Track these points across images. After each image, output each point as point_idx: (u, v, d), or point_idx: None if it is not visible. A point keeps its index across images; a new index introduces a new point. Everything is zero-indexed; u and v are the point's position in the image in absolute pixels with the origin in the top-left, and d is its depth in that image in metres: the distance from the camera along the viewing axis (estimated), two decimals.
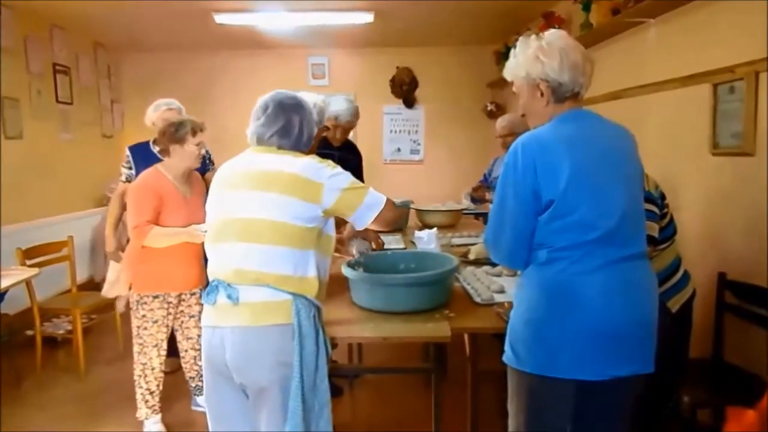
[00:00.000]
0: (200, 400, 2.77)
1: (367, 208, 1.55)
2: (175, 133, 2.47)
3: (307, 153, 1.62)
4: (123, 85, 5.70)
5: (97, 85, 5.27)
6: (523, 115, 1.52)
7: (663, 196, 2.04)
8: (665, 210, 2.05)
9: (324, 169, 1.53)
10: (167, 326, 2.59)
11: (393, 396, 2.96)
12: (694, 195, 2.51)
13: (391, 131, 5.78)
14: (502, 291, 1.97)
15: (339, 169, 1.56)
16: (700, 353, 2.35)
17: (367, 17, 4.19)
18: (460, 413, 2.25)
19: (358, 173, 3.06)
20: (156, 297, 2.52)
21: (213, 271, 1.55)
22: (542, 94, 1.40)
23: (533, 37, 1.43)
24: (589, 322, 1.31)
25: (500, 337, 1.50)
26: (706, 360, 2.27)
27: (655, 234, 1.93)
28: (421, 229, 3.50)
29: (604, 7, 3.13)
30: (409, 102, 5.68)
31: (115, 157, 5.51)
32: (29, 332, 3.44)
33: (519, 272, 1.49)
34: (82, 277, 4.26)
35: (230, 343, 1.48)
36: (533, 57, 1.39)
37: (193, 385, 2.81)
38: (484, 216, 4.00)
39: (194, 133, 2.50)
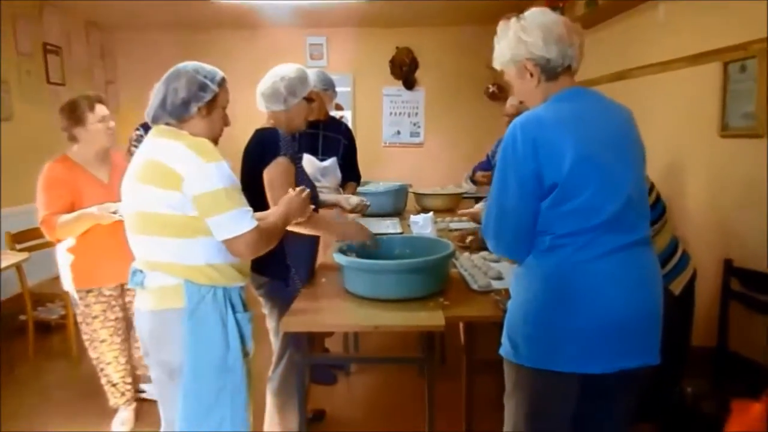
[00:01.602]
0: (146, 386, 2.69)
1: (221, 223, 1.40)
2: (71, 114, 2.25)
3: (214, 120, 1.54)
4: (117, 66, 5.59)
5: (91, 65, 5.16)
6: (521, 103, 1.45)
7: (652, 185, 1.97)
8: (655, 197, 1.97)
9: (193, 159, 1.39)
10: (115, 319, 2.45)
11: (389, 385, 2.90)
12: (701, 179, 2.42)
13: (390, 113, 5.67)
14: (500, 277, 1.90)
15: (216, 167, 1.40)
16: (704, 341, 2.29)
17: None
18: (457, 404, 2.20)
19: (349, 157, 2.93)
20: (89, 291, 2.38)
21: (135, 258, 1.56)
22: (531, 74, 1.33)
23: (513, 19, 1.36)
24: (595, 311, 1.24)
25: (499, 325, 1.43)
26: (710, 349, 2.20)
27: None
28: (419, 213, 3.44)
29: None
30: (409, 83, 5.56)
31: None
32: (22, 317, 3.39)
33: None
34: (53, 270, 4.19)
35: (143, 325, 1.55)
36: (515, 38, 1.32)
37: (139, 373, 2.67)
38: (484, 200, 3.92)
39: (92, 107, 2.27)
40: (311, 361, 2.08)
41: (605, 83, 3.22)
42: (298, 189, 1.68)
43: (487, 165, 3.59)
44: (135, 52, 5.53)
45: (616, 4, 3.00)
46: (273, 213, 1.65)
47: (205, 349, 1.45)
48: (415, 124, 5.67)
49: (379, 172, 5.16)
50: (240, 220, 1.42)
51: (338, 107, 5.37)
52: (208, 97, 1.51)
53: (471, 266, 2.00)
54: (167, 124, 1.51)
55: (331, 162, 2.72)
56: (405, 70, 5.50)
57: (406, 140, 5.70)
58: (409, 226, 2.86)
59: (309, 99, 2.02)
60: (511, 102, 3.21)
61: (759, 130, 2.06)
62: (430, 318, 1.60)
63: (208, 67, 1.55)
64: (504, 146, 1.29)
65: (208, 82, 1.51)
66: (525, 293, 1.31)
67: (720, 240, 2.28)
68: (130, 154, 3.10)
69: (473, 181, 3.56)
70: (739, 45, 2.14)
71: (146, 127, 3.07)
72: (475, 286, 1.79)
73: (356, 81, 5.60)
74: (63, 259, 2.40)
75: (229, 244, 1.43)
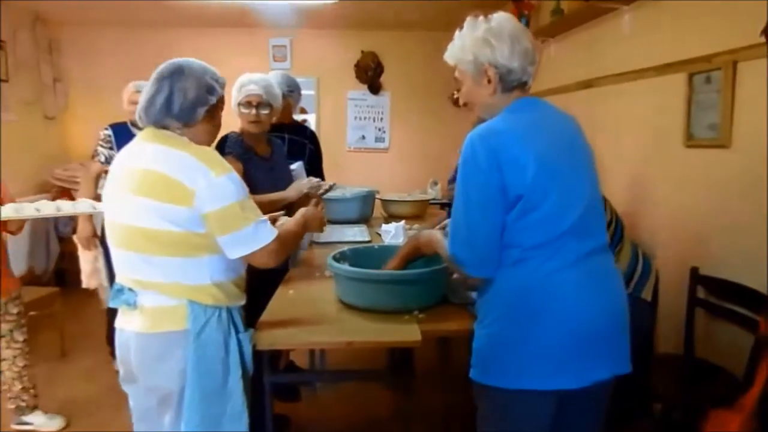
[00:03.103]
0: (29, 417, 2.55)
1: (239, 240, 1.31)
2: None
3: (215, 125, 1.45)
4: (66, 63, 5.28)
5: (38, 61, 4.87)
6: (464, 104, 1.40)
7: (606, 202, 1.98)
8: (609, 217, 1.99)
9: (204, 172, 1.27)
10: None
11: (356, 398, 2.79)
12: (667, 188, 2.46)
13: (355, 118, 5.59)
14: (476, 288, 1.85)
15: (229, 179, 1.30)
16: (671, 349, 2.32)
17: None
18: (430, 417, 2.14)
19: (314, 162, 2.88)
20: None
21: (116, 273, 1.42)
22: (489, 81, 1.30)
23: (481, 18, 1.32)
24: (568, 324, 1.21)
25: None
26: (677, 356, 2.23)
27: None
28: (386, 219, 3.38)
29: None
30: (375, 88, 5.51)
31: (58, 139, 5.16)
32: None
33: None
34: (20, 269, 3.94)
35: (134, 347, 1.39)
36: (482, 40, 1.29)
37: (12, 406, 2.53)
38: (449, 206, 3.90)
39: None
40: (277, 380, 1.98)
41: (572, 91, 3.25)
42: (315, 204, 1.68)
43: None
44: (85, 49, 5.25)
45: (582, 13, 3.03)
46: (291, 221, 1.60)
47: (207, 373, 1.34)
48: (380, 129, 5.62)
49: (344, 177, 5.08)
50: (261, 232, 1.34)
51: (302, 111, 5.27)
52: (214, 100, 1.40)
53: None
54: (163, 126, 1.37)
55: (297, 165, 2.64)
56: (370, 75, 5.44)
57: (371, 145, 5.64)
58: (377, 233, 2.80)
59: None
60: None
61: (723, 141, 2.10)
62: (406, 332, 1.53)
63: (210, 66, 1.45)
64: (464, 160, 1.24)
65: (215, 84, 1.41)
66: (493, 311, 1.27)
67: (686, 248, 2.32)
68: (97, 154, 2.93)
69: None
70: (703, 57, 2.18)
71: (115, 128, 2.98)
72: (454, 299, 1.74)
73: (320, 84, 5.51)
74: None
75: (250, 258, 1.36)
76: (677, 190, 2.39)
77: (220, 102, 1.45)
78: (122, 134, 2.94)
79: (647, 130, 2.60)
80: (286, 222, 1.61)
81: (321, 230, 1.75)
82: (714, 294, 2.14)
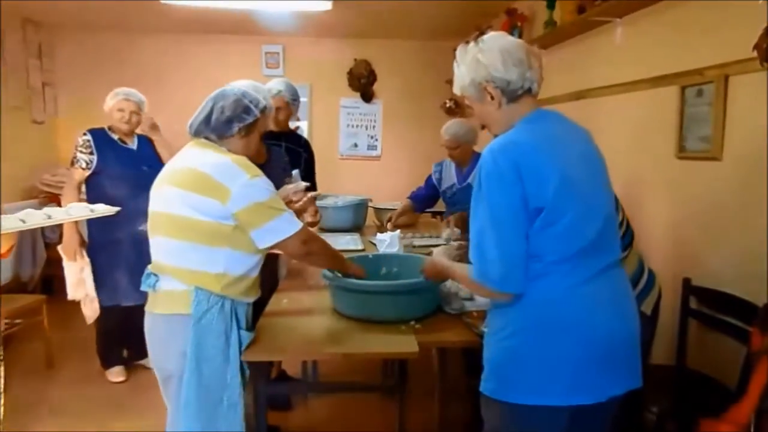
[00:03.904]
0: None
1: (269, 230, 1.50)
2: None
3: (251, 141, 1.63)
4: (57, 67, 5.23)
5: (27, 65, 4.82)
6: (483, 128, 1.43)
7: (617, 200, 1.99)
8: (620, 217, 2.00)
9: (241, 174, 1.47)
10: None
11: (348, 408, 2.76)
12: (659, 199, 2.48)
13: (348, 125, 5.60)
14: (471, 298, 1.85)
15: (261, 181, 1.50)
16: (663, 359, 2.33)
17: (326, 5, 3.99)
18: (424, 429, 2.12)
19: (308, 171, 2.88)
20: None
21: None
22: (492, 97, 1.32)
23: (471, 44, 1.35)
24: (588, 339, 1.21)
25: (466, 351, 1.38)
26: (670, 367, 2.24)
27: None
28: (379, 227, 3.37)
29: (570, 5, 3.07)
30: (367, 96, 5.52)
31: (47, 144, 5.09)
32: None
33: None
34: (6, 276, 3.87)
35: (147, 328, 1.59)
36: (474, 61, 1.32)
37: None
38: (441, 215, 3.89)
39: None
40: (271, 391, 1.96)
41: (564, 102, 3.28)
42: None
43: (427, 191, 3.40)
44: (76, 54, 5.21)
45: (575, 26, 3.06)
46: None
47: (206, 359, 1.47)
48: (372, 137, 5.62)
49: (336, 185, 5.07)
50: (287, 223, 1.51)
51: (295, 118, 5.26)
52: (249, 120, 1.60)
53: (441, 286, 1.94)
54: (206, 138, 1.59)
55: (296, 173, 2.64)
56: (363, 83, 5.45)
57: (363, 153, 5.64)
58: (371, 242, 2.79)
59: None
60: (445, 136, 3.14)
61: (714, 153, 2.13)
62: (403, 344, 1.52)
63: (253, 92, 1.64)
64: (486, 174, 1.23)
65: (252, 107, 1.61)
66: (512, 325, 1.25)
67: (678, 259, 2.34)
68: (77, 161, 2.90)
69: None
70: (695, 70, 2.21)
71: (93, 133, 2.96)
72: (448, 309, 1.73)
73: (313, 92, 5.50)
74: None
75: (282, 246, 1.52)
76: (669, 201, 2.41)
77: (258, 122, 1.63)
78: (101, 139, 2.96)
79: (640, 141, 2.62)
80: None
81: (354, 274, 1.79)
82: (706, 305, 2.15)
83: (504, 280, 1.21)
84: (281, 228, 1.49)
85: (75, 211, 2.15)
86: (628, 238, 2.02)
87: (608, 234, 1.29)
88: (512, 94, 1.31)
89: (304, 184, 2.31)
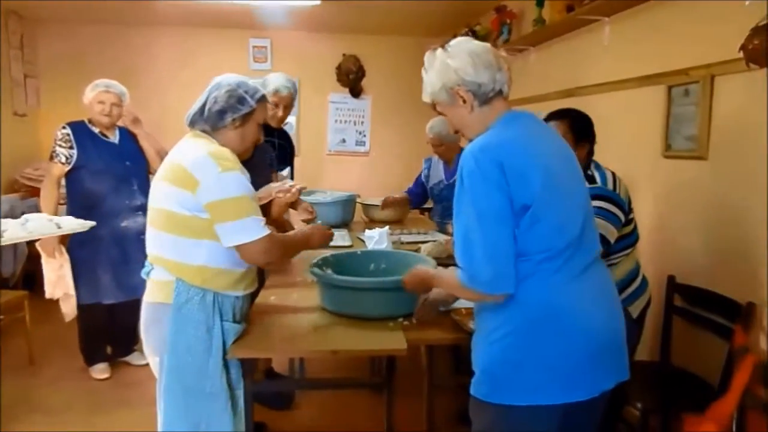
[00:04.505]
0: None
1: (232, 230, 1.47)
2: None
3: (246, 132, 1.61)
4: (40, 59, 5.13)
5: (8, 56, 4.71)
6: (457, 132, 1.42)
7: (629, 203, 2.01)
8: (631, 216, 2.02)
9: (212, 167, 1.46)
10: None
11: (337, 408, 2.74)
12: (645, 197, 2.50)
13: (336, 121, 5.57)
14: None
15: (233, 175, 1.47)
16: (647, 356, 2.35)
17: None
18: (412, 425, 2.12)
19: (291, 164, 2.93)
20: None
21: None
22: (464, 101, 1.32)
23: (439, 50, 1.35)
24: (580, 336, 1.22)
25: (454, 348, 1.38)
26: (654, 363, 2.26)
27: (611, 238, 1.89)
28: (367, 223, 3.36)
29: (558, 3, 3.08)
30: (356, 91, 5.50)
31: (28, 137, 4.99)
32: None
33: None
34: None
35: (141, 314, 1.62)
36: (443, 66, 1.32)
37: None
38: (429, 211, 3.90)
39: None
40: (260, 389, 1.95)
41: (552, 100, 3.29)
42: (328, 228, 1.81)
43: (416, 188, 3.50)
44: (60, 46, 5.11)
45: (563, 24, 3.08)
46: (296, 231, 1.79)
47: (186, 349, 1.49)
48: (360, 133, 5.61)
49: (324, 181, 5.05)
50: (250, 228, 1.47)
51: None
52: (244, 110, 1.59)
53: None
54: (203, 130, 1.59)
55: (287, 172, 2.65)
56: (352, 78, 5.43)
57: (352, 149, 5.62)
58: (359, 238, 2.78)
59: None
60: (429, 134, 3.16)
61: (700, 152, 2.15)
62: (391, 340, 1.52)
63: (251, 83, 1.63)
64: (468, 175, 1.22)
65: (247, 97, 1.59)
66: (504, 326, 1.24)
67: (663, 257, 2.36)
68: (56, 155, 2.83)
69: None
70: (682, 70, 2.23)
71: (73, 126, 2.89)
72: (439, 307, 1.73)
73: (301, 87, 5.43)
74: None
75: (241, 250, 1.49)
76: (655, 199, 2.43)
77: (255, 112, 1.61)
78: (81, 133, 2.88)
79: (626, 139, 2.64)
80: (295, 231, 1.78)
81: (324, 246, 1.81)
82: (690, 302, 2.18)
83: (494, 281, 1.20)
84: (245, 230, 1.46)
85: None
86: (633, 238, 2.04)
87: (589, 229, 1.31)
88: (484, 97, 1.31)
89: (290, 181, 2.30)
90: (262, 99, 1.63)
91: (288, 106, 2.69)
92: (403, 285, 1.58)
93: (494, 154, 1.21)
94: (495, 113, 1.32)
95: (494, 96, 1.32)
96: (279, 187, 2.11)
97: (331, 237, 1.81)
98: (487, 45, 1.36)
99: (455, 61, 1.30)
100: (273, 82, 2.63)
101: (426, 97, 1.39)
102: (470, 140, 1.33)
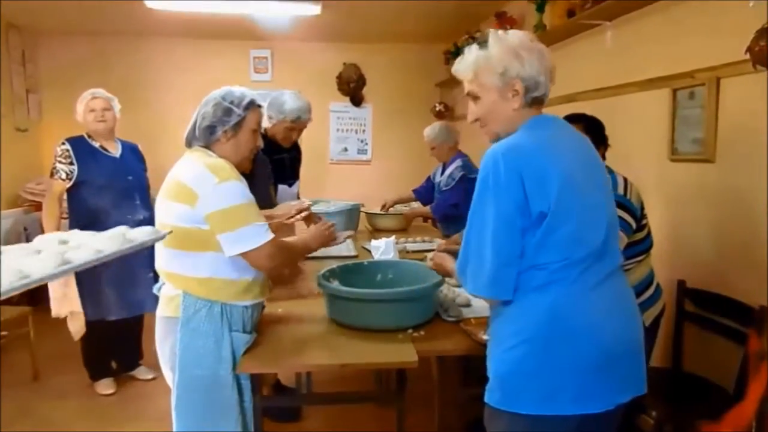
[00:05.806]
0: None
1: (235, 238, 1.47)
2: None
3: (241, 141, 1.60)
4: (41, 73, 5.15)
5: (10, 71, 4.72)
6: (476, 120, 1.35)
7: (642, 209, 1.99)
8: (644, 222, 2.00)
9: (209, 178, 1.47)
10: None
11: (345, 420, 2.69)
12: (652, 201, 2.47)
13: (337, 130, 5.57)
14: (468, 304, 1.83)
15: (232, 185, 1.48)
16: (659, 362, 2.32)
17: (314, 9, 3.97)
18: None
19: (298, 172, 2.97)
20: None
21: None
22: (514, 94, 1.28)
23: (510, 32, 1.31)
24: (595, 347, 1.19)
25: (465, 359, 1.36)
26: (665, 370, 2.23)
27: (620, 244, 1.87)
28: (372, 233, 3.35)
29: (559, 8, 3.08)
30: (357, 100, 5.50)
31: (30, 152, 4.99)
32: None
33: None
34: None
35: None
36: (512, 52, 1.27)
37: None
38: (432, 219, 3.90)
39: None
40: (268, 404, 1.92)
41: (555, 105, 3.27)
42: (325, 223, 1.81)
43: (425, 190, 3.69)
44: (61, 59, 5.12)
45: (565, 29, 3.07)
46: (299, 236, 1.82)
47: (196, 361, 1.49)
48: (362, 141, 5.60)
49: (326, 190, 5.04)
50: (255, 234, 1.48)
51: None
52: (233, 121, 1.58)
53: (438, 292, 1.92)
54: (204, 146, 1.60)
55: (296, 186, 2.66)
56: (352, 87, 5.43)
57: (354, 157, 5.62)
58: (364, 248, 2.76)
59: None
60: (428, 137, 3.42)
61: (706, 155, 2.13)
62: (402, 353, 1.50)
63: (237, 92, 1.61)
64: (483, 176, 1.22)
65: (233, 107, 1.58)
66: (519, 335, 1.22)
67: (673, 261, 2.34)
68: (57, 171, 2.81)
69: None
70: (687, 73, 2.22)
71: (72, 142, 2.87)
72: (446, 317, 1.71)
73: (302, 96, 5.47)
74: None
75: (247, 257, 1.49)
76: (663, 203, 2.41)
77: (245, 120, 1.60)
78: (81, 148, 2.85)
79: (632, 144, 2.63)
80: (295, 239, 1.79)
81: (326, 246, 1.83)
82: (702, 307, 2.15)
83: (491, 286, 1.21)
84: (247, 238, 1.46)
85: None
86: (647, 244, 2.01)
87: (611, 240, 1.28)
88: (531, 99, 1.29)
89: (308, 202, 2.29)
90: (251, 105, 1.61)
91: (303, 129, 2.71)
92: (430, 262, 1.65)
93: (515, 160, 1.20)
94: (529, 116, 1.30)
95: (536, 101, 1.30)
96: (298, 205, 2.10)
97: (333, 235, 1.81)
98: (550, 52, 1.34)
99: (529, 54, 1.26)
100: (292, 106, 2.66)
101: (467, 72, 1.32)
102: (491, 133, 1.31)
